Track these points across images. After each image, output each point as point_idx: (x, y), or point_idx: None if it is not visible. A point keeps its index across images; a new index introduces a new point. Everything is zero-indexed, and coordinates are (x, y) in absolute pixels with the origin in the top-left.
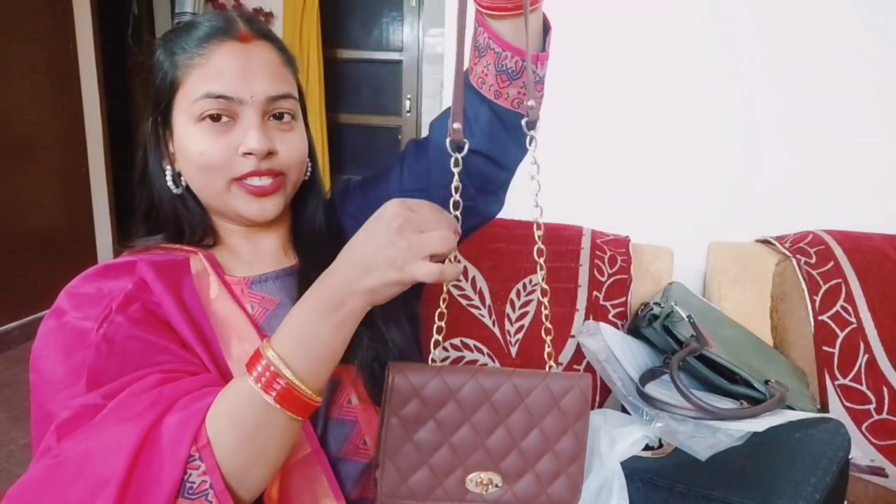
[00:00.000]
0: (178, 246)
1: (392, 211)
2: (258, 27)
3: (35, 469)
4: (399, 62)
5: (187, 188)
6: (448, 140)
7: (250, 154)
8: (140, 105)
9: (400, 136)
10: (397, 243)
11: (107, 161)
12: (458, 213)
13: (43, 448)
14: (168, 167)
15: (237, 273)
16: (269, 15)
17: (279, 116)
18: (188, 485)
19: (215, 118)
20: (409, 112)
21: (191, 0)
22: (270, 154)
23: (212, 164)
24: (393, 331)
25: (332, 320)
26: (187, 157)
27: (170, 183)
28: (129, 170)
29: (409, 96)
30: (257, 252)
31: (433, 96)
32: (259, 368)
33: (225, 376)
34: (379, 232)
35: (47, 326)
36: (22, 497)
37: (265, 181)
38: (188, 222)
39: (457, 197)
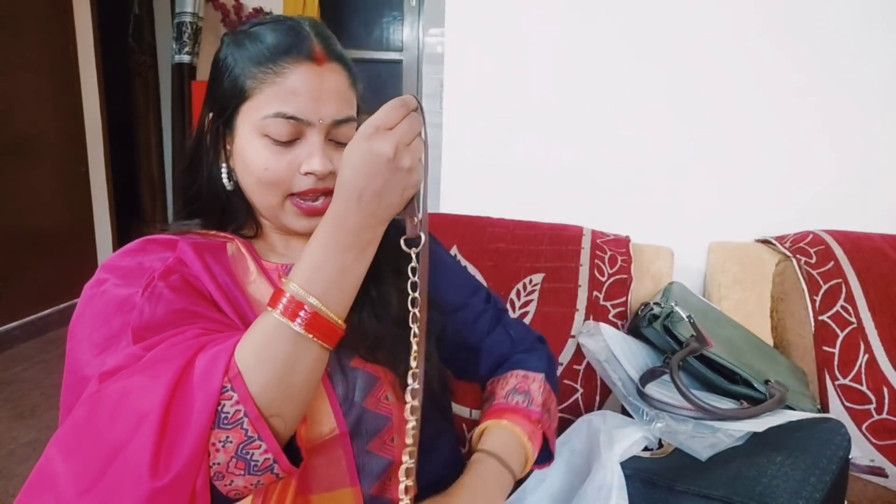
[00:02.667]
0: (214, 232)
1: (380, 146)
2: (331, 46)
3: (77, 410)
4: (399, 62)
5: (236, 183)
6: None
7: (311, 174)
8: (140, 105)
9: None
10: (403, 166)
11: (107, 161)
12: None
13: (88, 393)
14: (224, 164)
15: (273, 260)
16: (269, 14)
17: (340, 143)
18: (222, 415)
19: (283, 145)
20: None
21: (191, 0)
22: (329, 174)
23: (273, 180)
24: (433, 343)
25: (355, 251)
26: (248, 167)
27: (225, 180)
28: (129, 170)
29: None
30: (293, 248)
31: (433, 96)
32: (284, 301)
33: None
34: (381, 170)
35: (86, 296)
36: (66, 438)
37: (318, 202)
38: (232, 215)
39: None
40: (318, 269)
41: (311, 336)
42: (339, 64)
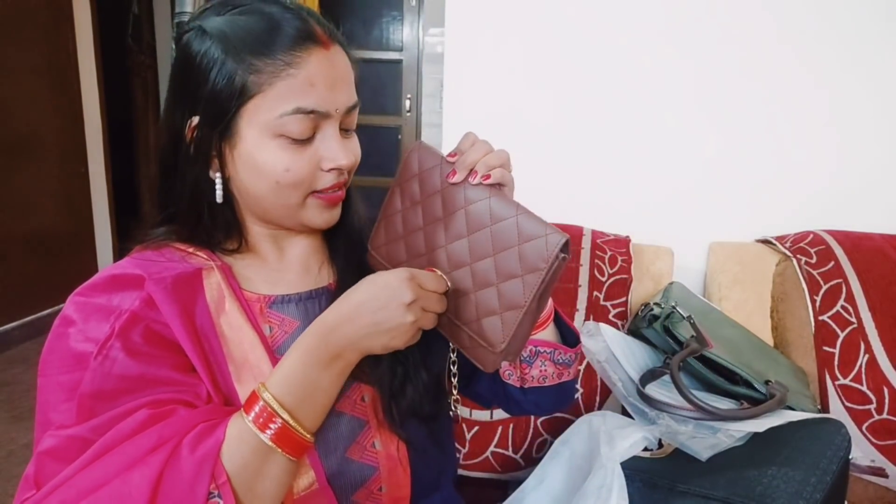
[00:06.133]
0: (192, 249)
1: (405, 287)
2: (329, 28)
3: None
4: (399, 62)
5: (228, 195)
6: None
7: (335, 169)
8: (140, 104)
9: (400, 136)
10: (407, 318)
11: (107, 161)
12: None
13: (25, 476)
14: (217, 175)
15: (257, 289)
16: None
17: (347, 131)
18: None
19: (301, 141)
20: (409, 112)
21: (190, 0)
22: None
23: (296, 181)
24: (421, 359)
25: (331, 371)
26: (264, 172)
27: (219, 192)
28: (129, 170)
29: (409, 96)
30: (284, 261)
31: (433, 96)
32: (256, 409)
33: (231, 401)
34: (391, 305)
35: (56, 333)
36: None
37: (339, 192)
38: (212, 229)
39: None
40: (294, 382)
41: (279, 450)
42: (339, 45)
